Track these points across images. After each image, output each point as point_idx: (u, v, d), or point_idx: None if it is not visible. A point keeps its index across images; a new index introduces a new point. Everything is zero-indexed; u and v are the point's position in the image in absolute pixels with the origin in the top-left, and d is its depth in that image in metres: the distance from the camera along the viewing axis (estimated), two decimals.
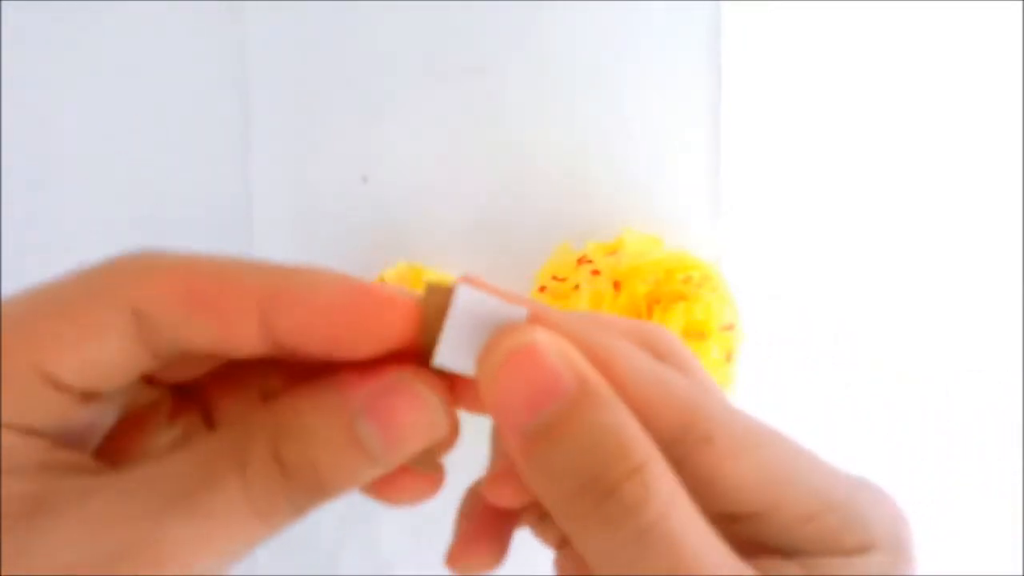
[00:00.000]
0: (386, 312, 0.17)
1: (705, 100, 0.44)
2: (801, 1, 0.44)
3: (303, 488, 0.17)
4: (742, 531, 0.18)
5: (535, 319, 0.17)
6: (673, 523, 0.16)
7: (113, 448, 0.19)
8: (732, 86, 0.44)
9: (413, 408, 0.17)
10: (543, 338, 0.17)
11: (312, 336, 0.17)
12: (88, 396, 0.18)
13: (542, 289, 0.42)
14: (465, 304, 0.17)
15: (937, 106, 0.45)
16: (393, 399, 0.17)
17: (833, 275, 0.45)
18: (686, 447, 0.18)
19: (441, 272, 0.44)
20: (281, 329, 0.17)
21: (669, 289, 0.40)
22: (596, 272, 0.40)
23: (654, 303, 0.40)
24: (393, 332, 0.17)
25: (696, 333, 0.39)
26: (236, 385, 0.21)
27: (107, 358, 0.17)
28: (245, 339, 0.18)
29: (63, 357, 0.17)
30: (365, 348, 0.17)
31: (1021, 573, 0.44)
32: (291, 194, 0.45)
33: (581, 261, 0.41)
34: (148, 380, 0.20)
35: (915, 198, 0.45)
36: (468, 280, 0.17)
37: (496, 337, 0.17)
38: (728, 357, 0.40)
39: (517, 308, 0.17)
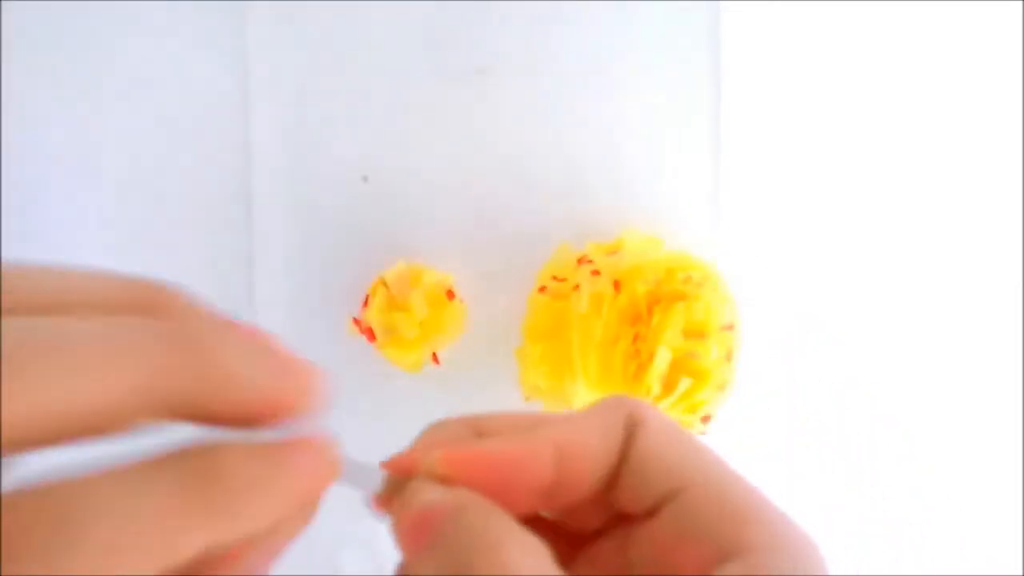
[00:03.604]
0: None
1: (705, 100, 0.44)
2: (801, 1, 0.44)
3: None
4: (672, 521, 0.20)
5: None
6: None
7: None
8: (732, 86, 0.44)
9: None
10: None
11: None
12: None
13: (542, 289, 0.42)
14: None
15: (937, 107, 0.45)
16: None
17: (833, 275, 0.45)
18: (629, 432, 0.21)
19: (441, 272, 0.44)
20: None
21: (669, 289, 0.40)
22: (596, 272, 0.40)
23: (654, 303, 0.40)
24: None
25: (696, 333, 0.39)
26: None
27: None
28: None
29: None
30: None
31: (1021, 573, 0.44)
32: (291, 194, 0.45)
33: (581, 261, 0.41)
34: None
35: (915, 198, 0.45)
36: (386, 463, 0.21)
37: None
38: (728, 357, 0.40)
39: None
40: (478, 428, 0.22)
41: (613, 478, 0.21)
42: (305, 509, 0.18)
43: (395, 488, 0.20)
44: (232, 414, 0.16)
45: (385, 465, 0.21)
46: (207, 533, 0.15)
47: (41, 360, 0.14)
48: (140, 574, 0.14)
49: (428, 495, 0.19)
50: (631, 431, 0.21)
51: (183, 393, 0.15)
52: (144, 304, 0.16)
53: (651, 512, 0.21)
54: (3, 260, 0.16)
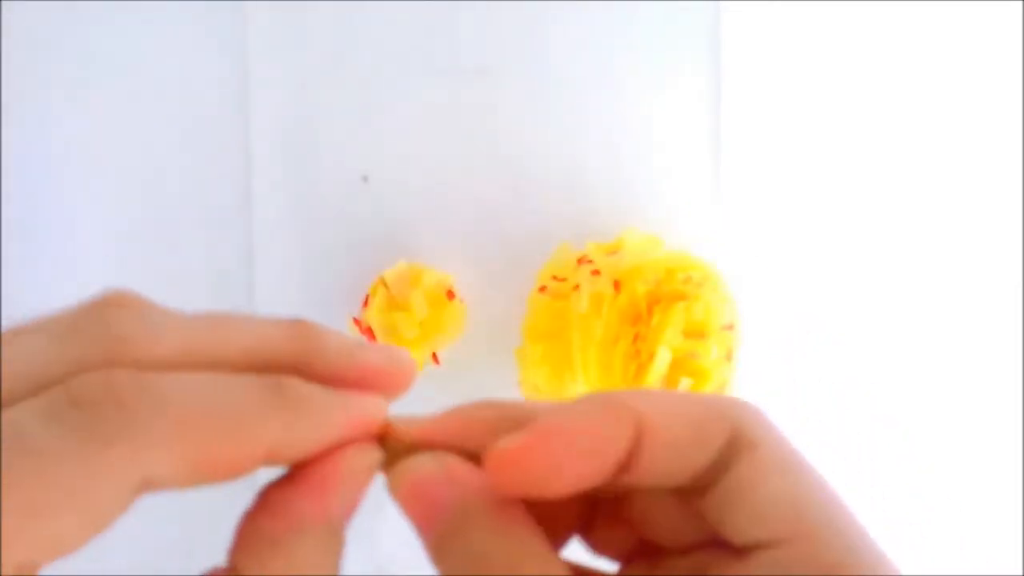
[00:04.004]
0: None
1: (705, 100, 0.44)
2: (801, 1, 0.44)
3: None
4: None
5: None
6: None
7: None
8: (732, 86, 0.44)
9: None
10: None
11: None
12: None
13: (542, 289, 0.42)
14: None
15: (937, 107, 0.45)
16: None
17: (833, 275, 0.45)
18: (731, 454, 0.18)
19: (441, 272, 0.44)
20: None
21: (669, 289, 0.40)
22: (596, 272, 0.40)
23: (654, 303, 0.40)
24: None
25: (696, 333, 0.39)
26: None
27: None
28: None
29: None
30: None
31: (1021, 573, 0.44)
32: (291, 194, 0.45)
33: (581, 261, 0.41)
34: None
35: (915, 198, 0.45)
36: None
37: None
38: (728, 357, 0.40)
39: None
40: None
41: (697, 489, 0.18)
42: (363, 469, 0.18)
43: (391, 456, 0.19)
44: (325, 375, 0.18)
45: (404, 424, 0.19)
46: (275, 432, 0.17)
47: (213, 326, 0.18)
48: (210, 457, 0.16)
49: (433, 488, 0.18)
50: (736, 446, 0.18)
51: (289, 353, 0.18)
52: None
53: (737, 552, 0.18)
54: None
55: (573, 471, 0.17)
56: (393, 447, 0.19)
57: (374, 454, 0.19)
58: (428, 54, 0.44)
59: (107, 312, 0.17)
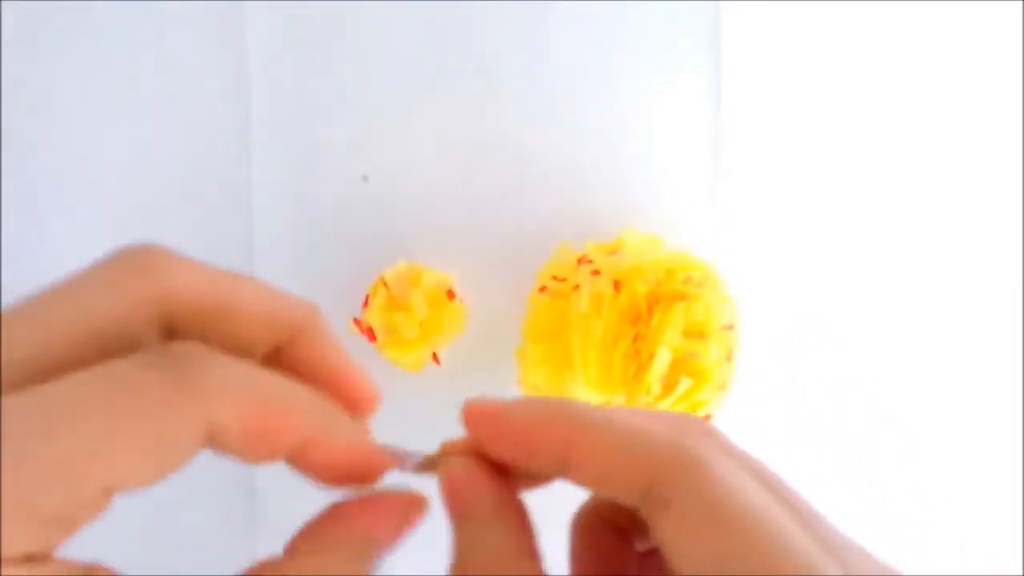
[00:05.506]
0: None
1: (705, 100, 0.44)
2: (801, 1, 0.44)
3: None
4: None
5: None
6: None
7: None
8: (732, 86, 0.44)
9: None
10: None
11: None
12: None
13: (542, 289, 0.42)
14: None
15: (937, 107, 0.45)
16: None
17: (833, 274, 0.45)
18: (648, 510, 0.19)
19: (441, 272, 0.44)
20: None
21: (669, 289, 0.40)
22: (596, 272, 0.40)
23: (654, 303, 0.40)
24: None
25: (696, 333, 0.39)
26: None
27: None
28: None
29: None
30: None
31: (1021, 573, 0.44)
32: (291, 194, 0.45)
33: (581, 261, 0.41)
34: None
35: (915, 198, 0.45)
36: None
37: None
38: (728, 357, 0.40)
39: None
40: None
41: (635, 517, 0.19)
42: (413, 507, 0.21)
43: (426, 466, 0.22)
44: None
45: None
46: (319, 421, 0.20)
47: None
48: (261, 425, 0.18)
49: (459, 485, 0.21)
50: (654, 500, 0.18)
51: (296, 322, 0.23)
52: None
53: None
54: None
55: (506, 450, 0.21)
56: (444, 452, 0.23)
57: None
58: (428, 54, 0.44)
59: (148, 258, 0.19)
